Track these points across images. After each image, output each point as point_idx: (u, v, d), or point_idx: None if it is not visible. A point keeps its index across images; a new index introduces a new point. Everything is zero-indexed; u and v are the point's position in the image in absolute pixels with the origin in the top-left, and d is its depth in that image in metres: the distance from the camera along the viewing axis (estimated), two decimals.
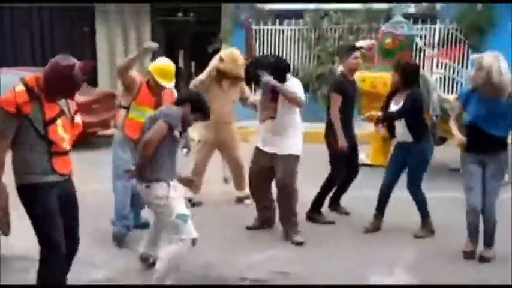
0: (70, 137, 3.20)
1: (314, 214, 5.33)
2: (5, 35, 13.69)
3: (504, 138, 4.22)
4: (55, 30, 13.64)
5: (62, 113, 3.13)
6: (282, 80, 4.58)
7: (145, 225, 4.74)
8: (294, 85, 4.64)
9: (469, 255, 4.36)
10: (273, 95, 4.63)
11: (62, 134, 3.11)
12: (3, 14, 13.50)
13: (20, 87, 2.99)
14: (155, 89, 4.56)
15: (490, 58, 4.03)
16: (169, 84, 4.59)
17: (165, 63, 4.64)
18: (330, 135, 5.22)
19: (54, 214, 3.12)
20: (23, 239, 4.46)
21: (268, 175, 4.88)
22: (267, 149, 4.78)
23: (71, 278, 3.58)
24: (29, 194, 3.10)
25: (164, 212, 3.56)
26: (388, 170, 4.97)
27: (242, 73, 5.23)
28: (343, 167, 5.31)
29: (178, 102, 3.78)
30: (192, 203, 5.50)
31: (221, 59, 5.46)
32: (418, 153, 4.77)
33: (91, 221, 5.06)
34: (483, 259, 4.28)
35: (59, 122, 3.09)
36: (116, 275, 4.00)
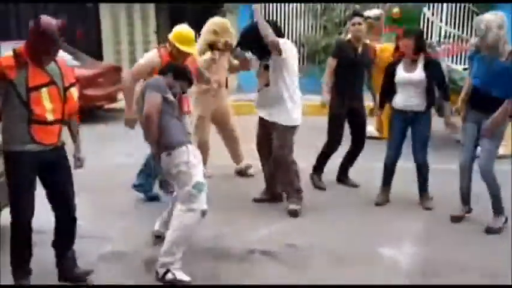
0: (59, 108, 3.21)
1: (314, 176, 5.49)
2: (9, 10, 13.60)
3: (503, 100, 4.09)
4: (59, 7, 13.53)
5: (50, 83, 3.16)
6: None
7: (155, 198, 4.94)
8: (283, 41, 4.53)
9: (455, 219, 4.45)
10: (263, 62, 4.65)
11: (47, 103, 3.14)
12: None
13: (8, 53, 3.10)
14: (177, 57, 4.54)
15: (490, 17, 4.05)
16: (191, 50, 4.62)
17: (184, 29, 4.64)
18: (331, 99, 5.28)
19: (24, 184, 3.18)
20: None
21: (262, 138, 4.91)
22: (267, 117, 4.74)
23: (83, 251, 3.63)
24: (8, 161, 3.19)
25: (182, 179, 3.50)
26: (391, 142, 4.92)
27: (230, 40, 5.35)
28: (339, 132, 5.31)
29: (161, 73, 3.86)
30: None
31: (215, 32, 5.39)
32: (427, 120, 4.74)
33: (102, 195, 5.15)
34: (489, 230, 4.28)
35: (44, 90, 3.12)
36: (126, 248, 4.04)
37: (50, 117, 3.17)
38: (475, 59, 4.26)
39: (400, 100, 4.76)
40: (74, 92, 3.34)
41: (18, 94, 3.05)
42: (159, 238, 3.96)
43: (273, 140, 4.75)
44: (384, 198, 5.00)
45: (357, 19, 5.22)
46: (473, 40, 4.67)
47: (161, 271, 3.46)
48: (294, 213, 4.67)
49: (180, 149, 3.52)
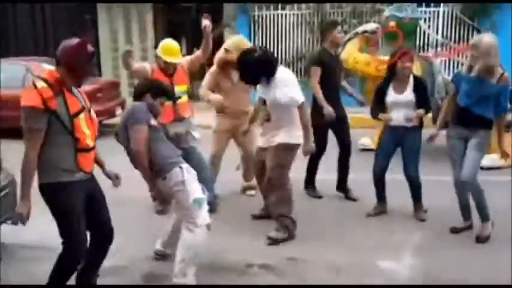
0: (93, 133, 3.13)
1: (308, 189, 5.67)
2: (8, 25, 13.70)
3: (489, 119, 4.30)
4: (57, 19, 13.63)
5: (83, 108, 3.07)
6: (271, 74, 4.30)
7: None
8: (287, 83, 4.29)
9: (454, 230, 4.54)
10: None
11: (85, 129, 3.03)
12: (6, 5, 13.49)
13: (41, 83, 2.89)
14: (166, 68, 4.94)
15: (489, 41, 4.14)
16: (176, 60, 4.97)
17: (168, 42, 5.08)
18: (312, 108, 5.28)
19: (78, 214, 3.06)
20: (31, 227, 4.55)
21: (258, 167, 4.81)
22: (268, 144, 4.55)
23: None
24: (55, 193, 3.01)
25: (181, 198, 3.53)
26: (379, 156, 4.98)
27: None
28: (324, 139, 5.39)
29: (137, 97, 3.79)
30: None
31: (226, 51, 5.21)
32: (417, 137, 4.79)
33: None
34: (478, 239, 4.34)
35: (82, 116, 3.02)
36: (126, 263, 4.05)
37: (90, 143, 3.08)
38: (464, 79, 4.30)
39: (392, 115, 4.81)
40: (94, 113, 3.24)
41: (62, 124, 2.92)
42: (161, 257, 3.98)
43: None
44: (379, 210, 5.08)
45: (339, 28, 5.51)
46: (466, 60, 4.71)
47: None
48: (273, 241, 4.41)
49: (173, 171, 3.54)
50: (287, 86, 4.27)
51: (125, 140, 3.61)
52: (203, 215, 3.53)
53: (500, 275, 3.73)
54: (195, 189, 3.56)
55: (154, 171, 3.54)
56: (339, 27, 5.48)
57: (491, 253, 4.16)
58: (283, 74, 4.37)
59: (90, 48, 3.01)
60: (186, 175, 3.55)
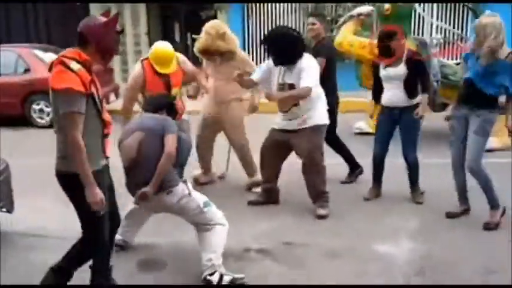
0: (108, 117, 2.97)
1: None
2: (0, 22, 13.56)
3: (494, 98, 4.16)
4: (48, 6, 13.47)
5: (99, 90, 2.89)
6: (299, 56, 4.38)
7: None
8: (312, 64, 4.41)
9: (450, 215, 4.48)
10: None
11: (106, 113, 2.91)
12: None
13: (76, 65, 2.64)
14: (158, 73, 4.72)
15: (489, 22, 4.01)
16: (166, 71, 4.72)
17: (161, 49, 4.75)
18: None
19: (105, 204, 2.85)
20: (27, 215, 4.53)
21: (283, 153, 4.79)
22: (287, 126, 4.59)
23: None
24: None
25: (191, 207, 3.50)
26: (378, 138, 4.95)
27: (219, 47, 5.02)
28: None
29: (157, 109, 3.82)
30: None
31: (195, 39, 5.16)
32: (414, 117, 4.68)
33: None
34: (487, 226, 4.25)
35: (104, 99, 2.90)
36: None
37: (109, 128, 2.94)
38: (471, 56, 4.21)
39: (386, 96, 4.80)
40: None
41: (96, 108, 2.75)
42: (122, 247, 3.89)
43: (282, 157, 4.78)
44: (375, 193, 5.04)
45: (310, 19, 5.39)
46: (470, 43, 4.62)
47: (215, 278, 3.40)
48: (323, 217, 4.60)
49: (179, 186, 3.52)
50: (313, 67, 4.41)
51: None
52: (216, 211, 3.59)
53: (499, 258, 3.71)
54: (199, 196, 3.60)
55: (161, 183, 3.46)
56: (310, 19, 5.42)
57: (490, 236, 4.14)
58: (307, 57, 4.48)
59: (118, 25, 2.87)
60: (190, 186, 3.59)
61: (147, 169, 3.43)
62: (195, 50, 5.20)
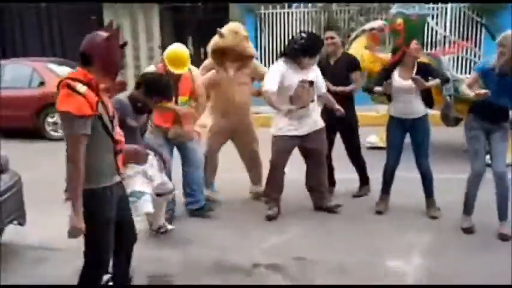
0: (119, 134, 2.95)
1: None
2: (14, 26, 13.76)
3: (508, 109, 4.29)
4: (63, 20, 13.66)
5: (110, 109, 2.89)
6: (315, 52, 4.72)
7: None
8: (319, 73, 4.89)
9: (469, 231, 4.41)
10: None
11: (119, 129, 2.91)
12: (11, 6, 13.54)
13: (82, 87, 2.61)
14: (172, 75, 4.51)
15: None
16: (180, 71, 4.58)
17: (175, 50, 4.61)
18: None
19: (112, 222, 2.86)
20: (39, 228, 4.55)
21: (288, 159, 4.92)
22: (299, 131, 4.77)
23: (58, 265, 3.60)
24: (97, 199, 2.77)
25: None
26: (390, 150, 4.90)
27: (246, 49, 4.97)
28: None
29: (136, 86, 3.77)
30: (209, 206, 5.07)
31: (221, 35, 4.92)
32: (426, 125, 4.73)
33: None
34: (503, 236, 4.24)
35: (115, 118, 2.89)
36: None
37: (122, 144, 2.92)
38: (490, 74, 4.18)
39: (397, 107, 4.77)
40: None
41: (105, 126, 2.73)
42: None
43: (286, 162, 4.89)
44: (383, 207, 5.00)
45: (327, 33, 5.36)
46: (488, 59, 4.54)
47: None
48: (339, 207, 5.03)
49: None
50: (320, 73, 4.89)
51: None
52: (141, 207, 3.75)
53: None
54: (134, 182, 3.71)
55: None
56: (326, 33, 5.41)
57: (502, 254, 4.07)
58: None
59: (121, 38, 2.84)
60: (129, 170, 3.64)
61: None
62: (214, 47, 4.98)
